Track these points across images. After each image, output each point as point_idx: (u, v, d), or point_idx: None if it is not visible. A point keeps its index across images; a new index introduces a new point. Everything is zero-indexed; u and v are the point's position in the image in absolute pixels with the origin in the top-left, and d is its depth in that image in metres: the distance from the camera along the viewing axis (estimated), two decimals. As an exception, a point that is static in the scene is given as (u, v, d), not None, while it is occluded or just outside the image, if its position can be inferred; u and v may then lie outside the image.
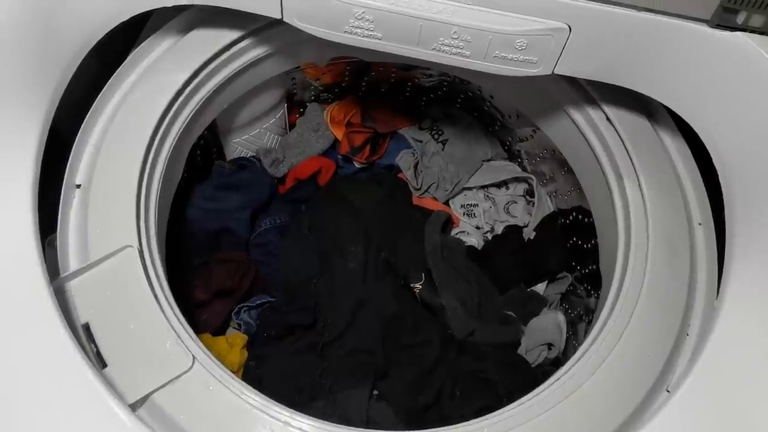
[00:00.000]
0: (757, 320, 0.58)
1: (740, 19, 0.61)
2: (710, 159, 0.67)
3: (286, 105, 1.10)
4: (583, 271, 0.98)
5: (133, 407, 0.55)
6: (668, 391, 0.61)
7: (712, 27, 0.62)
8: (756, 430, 0.54)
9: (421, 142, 1.15)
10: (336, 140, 1.12)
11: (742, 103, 0.63)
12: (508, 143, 1.16)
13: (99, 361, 0.58)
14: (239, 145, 1.08)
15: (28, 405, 0.50)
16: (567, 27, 0.64)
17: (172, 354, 0.58)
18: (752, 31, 0.61)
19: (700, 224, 0.74)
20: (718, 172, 0.66)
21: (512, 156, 1.17)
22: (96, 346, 0.59)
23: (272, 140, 1.12)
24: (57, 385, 0.51)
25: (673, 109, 0.70)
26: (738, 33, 0.62)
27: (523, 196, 1.15)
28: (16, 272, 0.55)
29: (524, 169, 1.15)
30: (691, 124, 0.69)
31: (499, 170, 1.15)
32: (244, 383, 0.59)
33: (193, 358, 0.58)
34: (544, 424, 0.59)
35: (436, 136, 1.15)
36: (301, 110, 1.14)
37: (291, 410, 0.58)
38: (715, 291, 0.68)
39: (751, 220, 0.62)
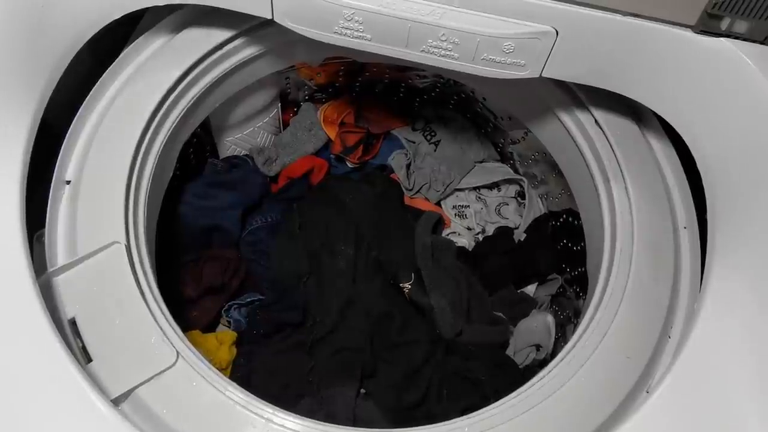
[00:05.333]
0: (736, 323, 0.59)
1: (724, 25, 0.61)
2: (696, 163, 0.68)
3: (279, 104, 1.10)
4: (572, 273, 0.98)
5: (116, 402, 0.56)
6: (648, 392, 0.62)
7: (696, 32, 0.63)
8: (730, 431, 0.54)
9: (413, 142, 1.16)
10: (329, 140, 1.12)
11: (725, 108, 0.63)
12: (500, 145, 1.17)
13: (84, 356, 0.59)
14: (232, 143, 1.08)
15: (10, 399, 0.51)
16: (554, 31, 0.65)
17: (156, 349, 0.59)
18: (736, 37, 0.62)
19: (685, 228, 0.74)
20: (702, 176, 0.67)
21: (504, 158, 1.18)
22: (82, 341, 0.59)
23: (266, 139, 1.12)
24: (40, 379, 0.51)
25: (659, 113, 0.71)
26: (722, 39, 0.62)
27: (515, 197, 1.15)
28: (2, 267, 0.55)
29: (516, 171, 1.15)
30: (676, 128, 0.69)
31: (491, 172, 1.15)
32: (227, 379, 0.59)
33: (178, 354, 0.59)
34: (525, 422, 0.60)
35: (428, 137, 1.16)
36: (295, 110, 1.15)
37: (274, 407, 0.58)
38: (697, 294, 0.68)
39: (733, 224, 0.63)
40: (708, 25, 0.62)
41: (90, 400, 0.50)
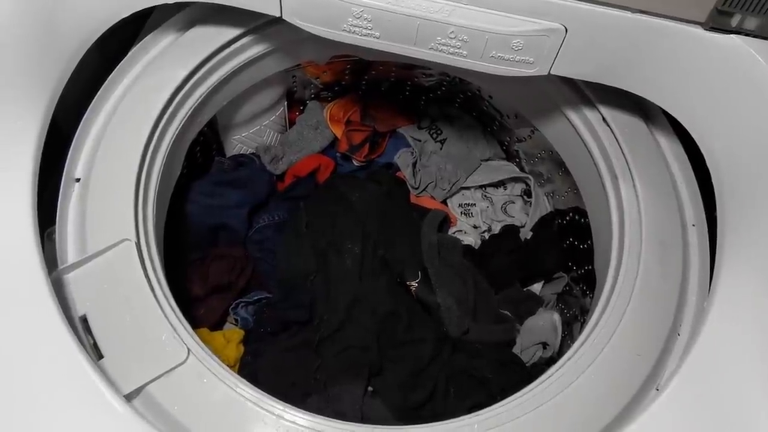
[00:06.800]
0: (747, 320, 0.59)
1: (734, 21, 0.61)
2: (704, 160, 0.68)
3: (286, 102, 1.10)
4: (579, 272, 0.98)
5: (128, 398, 0.56)
6: (657, 390, 0.62)
7: (706, 29, 0.63)
8: (740, 429, 0.54)
9: (420, 141, 1.16)
10: (335, 138, 1.12)
11: (735, 105, 0.63)
12: (506, 143, 1.17)
13: (95, 353, 0.59)
14: (239, 141, 1.09)
15: (24, 395, 0.51)
16: (563, 28, 0.65)
17: (167, 346, 0.59)
18: (746, 34, 0.62)
19: (693, 225, 0.74)
20: (711, 174, 0.67)
21: (510, 156, 1.18)
22: (93, 338, 0.59)
23: (272, 137, 1.13)
24: (53, 375, 0.52)
25: (667, 110, 0.71)
26: (732, 35, 0.62)
27: (521, 196, 1.15)
28: (15, 264, 0.55)
29: (522, 170, 1.15)
30: (685, 126, 0.69)
31: (497, 170, 1.15)
32: (238, 376, 0.59)
33: (188, 350, 0.59)
34: (533, 421, 0.60)
35: (434, 136, 1.16)
36: (301, 108, 1.15)
37: (284, 403, 0.58)
38: (707, 292, 0.68)
39: (743, 221, 0.63)
40: (718, 22, 0.62)
41: (104, 397, 0.50)
